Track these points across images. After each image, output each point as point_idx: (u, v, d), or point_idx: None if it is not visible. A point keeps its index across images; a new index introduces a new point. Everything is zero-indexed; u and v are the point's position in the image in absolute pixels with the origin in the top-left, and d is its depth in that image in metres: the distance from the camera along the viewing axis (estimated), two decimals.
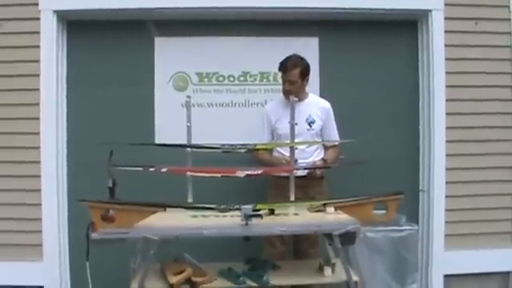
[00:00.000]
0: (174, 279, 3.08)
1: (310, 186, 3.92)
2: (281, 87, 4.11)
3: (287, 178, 3.67)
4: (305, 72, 4.02)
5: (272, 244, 3.99)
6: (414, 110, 4.72)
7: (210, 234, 2.94)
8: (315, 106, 4.08)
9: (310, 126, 3.98)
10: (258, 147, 3.71)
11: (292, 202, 3.57)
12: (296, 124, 3.64)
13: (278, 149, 4.04)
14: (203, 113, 4.22)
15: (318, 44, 4.68)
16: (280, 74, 4.07)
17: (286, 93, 3.96)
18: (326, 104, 4.14)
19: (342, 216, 3.16)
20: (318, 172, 3.95)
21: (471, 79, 4.53)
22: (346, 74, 4.66)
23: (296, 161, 3.67)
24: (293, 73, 3.95)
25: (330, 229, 2.99)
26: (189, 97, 3.77)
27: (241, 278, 3.17)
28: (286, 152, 3.92)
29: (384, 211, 3.14)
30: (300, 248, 4.05)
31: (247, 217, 2.91)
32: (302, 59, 4.03)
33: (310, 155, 4.00)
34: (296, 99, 3.67)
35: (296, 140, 3.75)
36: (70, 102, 4.53)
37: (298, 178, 3.70)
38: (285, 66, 3.98)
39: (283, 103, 4.06)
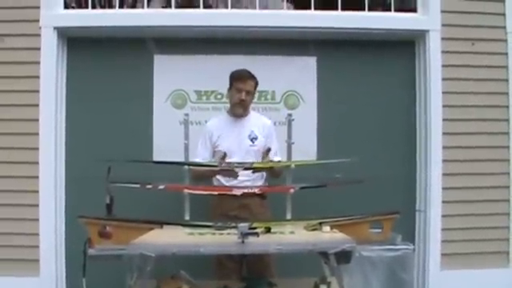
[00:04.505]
0: None
1: (253, 204, 3.83)
2: (273, 105, 4.34)
3: (232, 197, 3.65)
4: (256, 86, 3.97)
5: (221, 263, 3.82)
6: (410, 129, 4.74)
7: (206, 251, 2.95)
8: (257, 122, 3.99)
9: (253, 143, 3.88)
10: (255, 165, 3.71)
11: (288, 220, 3.58)
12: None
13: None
14: (201, 130, 4.22)
15: (316, 63, 4.70)
16: (229, 88, 3.96)
17: (241, 103, 3.88)
18: (268, 121, 4.07)
19: (338, 235, 3.16)
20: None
21: (468, 99, 4.56)
22: (343, 94, 4.68)
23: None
24: (250, 83, 3.87)
25: (326, 247, 3.00)
26: (187, 114, 3.81)
27: None
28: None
29: (380, 230, 3.15)
30: (253, 270, 3.90)
31: (244, 235, 2.92)
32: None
33: (253, 173, 3.85)
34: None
35: (238, 157, 3.78)
36: (69, 119, 4.55)
37: (241, 198, 3.67)
38: (243, 74, 3.89)
39: (227, 120, 4.00)
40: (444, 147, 4.52)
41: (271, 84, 4.58)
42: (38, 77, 4.35)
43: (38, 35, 4.35)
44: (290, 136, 3.67)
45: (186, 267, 3.42)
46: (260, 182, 3.87)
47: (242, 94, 3.85)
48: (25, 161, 4.34)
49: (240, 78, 3.88)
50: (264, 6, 4.62)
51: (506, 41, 4.61)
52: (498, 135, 4.61)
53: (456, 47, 4.57)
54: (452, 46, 4.56)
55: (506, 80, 4.61)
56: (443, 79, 4.54)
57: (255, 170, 3.68)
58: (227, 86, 3.93)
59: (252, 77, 3.90)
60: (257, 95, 4.24)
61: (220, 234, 3.21)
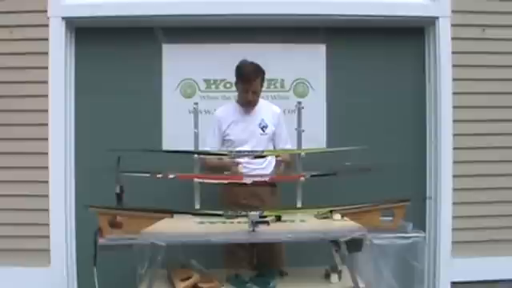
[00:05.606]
0: (181, 285, 3.09)
1: (263, 193, 3.84)
2: (283, 93, 4.43)
3: (241, 185, 3.65)
4: (263, 78, 3.95)
5: (232, 252, 3.83)
6: (420, 116, 4.72)
7: (217, 240, 2.96)
8: (267, 110, 4.00)
9: (263, 131, 3.90)
10: (265, 153, 3.70)
11: (299, 208, 3.57)
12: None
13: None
14: (210, 119, 4.21)
15: (325, 51, 4.68)
16: (236, 82, 3.97)
17: (249, 103, 3.90)
18: (277, 109, 4.07)
19: (349, 223, 3.16)
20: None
21: (478, 86, 4.53)
22: (352, 81, 4.66)
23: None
24: (256, 82, 3.85)
25: (337, 235, 3.00)
26: (196, 103, 3.79)
27: (248, 285, 3.19)
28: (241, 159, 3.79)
29: (391, 218, 3.14)
30: (264, 259, 3.88)
31: (254, 223, 2.91)
32: (258, 65, 3.91)
33: (264, 160, 3.88)
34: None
35: (249, 146, 3.80)
36: (79, 109, 4.56)
37: (252, 186, 3.67)
38: (249, 76, 3.84)
39: (236, 109, 3.99)
40: (454, 134, 4.49)
41: (280, 72, 4.57)
42: (46, 67, 4.35)
43: (46, 26, 4.35)
44: (299, 124, 3.64)
45: (197, 256, 3.42)
46: (270, 170, 3.87)
47: (248, 95, 3.86)
48: (34, 151, 4.34)
49: (245, 78, 3.85)
50: None
51: None
52: (509, 122, 4.58)
53: (466, 33, 4.53)
54: (462, 33, 4.52)
55: None
56: (453, 66, 4.50)
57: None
58: None
59: (257, 73, 3.87)
60: (266, 84, 4.20)
61: (230, 223, 3.22)
